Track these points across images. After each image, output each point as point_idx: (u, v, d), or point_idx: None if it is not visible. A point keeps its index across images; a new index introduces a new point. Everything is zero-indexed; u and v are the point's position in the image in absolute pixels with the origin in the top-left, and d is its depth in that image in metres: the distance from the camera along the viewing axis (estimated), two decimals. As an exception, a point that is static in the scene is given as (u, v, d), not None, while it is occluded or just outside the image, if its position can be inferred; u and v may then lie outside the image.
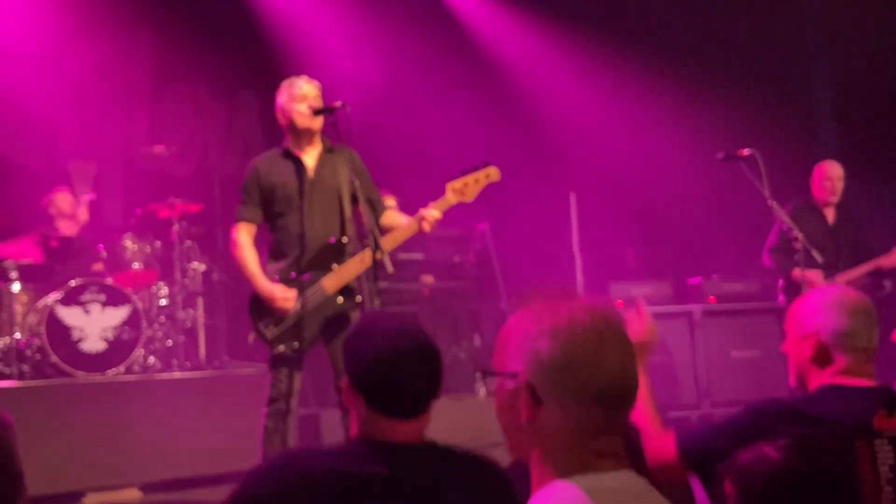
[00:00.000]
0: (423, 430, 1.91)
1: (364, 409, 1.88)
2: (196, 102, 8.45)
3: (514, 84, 8.75)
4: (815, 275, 5.72)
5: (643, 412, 2.37)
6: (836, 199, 6.00)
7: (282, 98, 4.18)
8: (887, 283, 7.94)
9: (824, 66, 8.92)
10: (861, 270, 5.88)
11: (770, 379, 6.51)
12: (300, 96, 4.12)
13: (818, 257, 4.60)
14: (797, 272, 5.61)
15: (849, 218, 6.09)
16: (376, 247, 3.83)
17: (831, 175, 5.98)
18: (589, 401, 1.37)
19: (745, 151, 4.70)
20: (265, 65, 7.83)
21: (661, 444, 2.29)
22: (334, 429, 5.29)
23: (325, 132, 4.20)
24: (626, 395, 1.40)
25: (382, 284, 4.28)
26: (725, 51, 8.34)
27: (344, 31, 8.27)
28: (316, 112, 4.09)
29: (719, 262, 7.58)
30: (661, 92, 8.21)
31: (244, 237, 4.16)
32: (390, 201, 6.73)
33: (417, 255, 6.88)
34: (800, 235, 4.58)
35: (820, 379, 2.27)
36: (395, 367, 1.85)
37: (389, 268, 3.83)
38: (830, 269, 5.81)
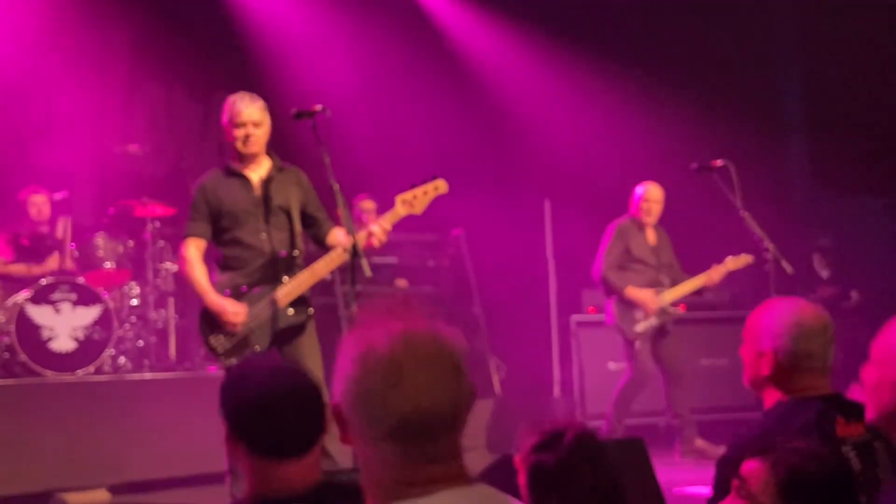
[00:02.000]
0: (316, 468, 1.85)
1: (251, 457, 1.81)
2: (171, 103, 8.41)
3: (490, 91, 8.79)
4: (647, 294, 5.96)
5: None
6: (652, 220, 6.23)
7: (224, 118, 4.21)
8: (854, 294, 8.08)
9: (795, 79, 9.06)
10: (690, 286, 6.11)
11: (739, 387, 6.57)
12: (238, 123, 4.14)
13: (788, 267, 4.68)
14: (630, 290, 5.93)
15: (665, 240, 6.35)
16: (355, 253, 3.87)
17: (649, 197, 6.19)
18: (382, 438, 1.30)
19: (718, 162, 4.77)
20: (241, 66, 7.82)
21: None
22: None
23: (304, 136, 4.21)
24: (427, 428, 1.29)
25: (357, 288, 4.29)
26: (699, 61, 8.44)
27: (319, 33, 8.27)
28: (295, 116, 4.10)
29: (691, 270, 7.65)
30: (635, 101, 8.29)
31: (193, 252, 4.19)
32: (368, 204, 6.74)
33: (392, 260, 6.90)
34: (770, 246, 4.65)
35: (775, 394, 2.31)
36: (272, 404, 1.80)
37: (368, 271, 3.86)
38: (655, 282, 6.09)
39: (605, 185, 8.35)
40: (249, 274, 4.14)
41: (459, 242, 7.32)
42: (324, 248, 4.23)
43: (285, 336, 4.15)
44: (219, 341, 4.11)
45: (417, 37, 8.65)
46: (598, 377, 6.77)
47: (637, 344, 5.94)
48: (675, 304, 6.09)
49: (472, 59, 8.90)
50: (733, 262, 6.08)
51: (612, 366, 6.79)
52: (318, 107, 3.99)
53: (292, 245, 4.18)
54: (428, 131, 8.42)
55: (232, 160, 4.26)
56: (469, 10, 8.79)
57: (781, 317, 2.30)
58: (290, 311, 4.13)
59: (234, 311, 4.06)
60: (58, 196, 6.62)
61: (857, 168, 8.29)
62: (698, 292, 6.23)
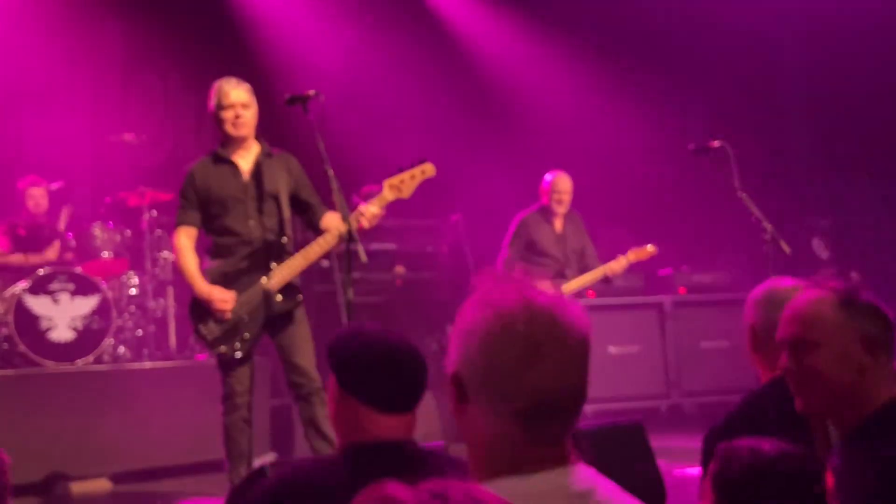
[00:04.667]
0: (413, 427, 1.93)
1: (356, 406, 1.89)
2: (166, 92, 8.37)
3: (490, 76, 8.75)
4: (546, 285, 5.94)
5: None
6: (563, 209, 6.41)
7: (211, 103, 4.18)
8: (854, 275, 8.05)
9: (795, 59, 9.01)
10: (590, 277, 6.30)
11: (739, 370, 6.58)
12: (227, 106, 4.12)
13: (786, 248, 4.65)
14: None
15: (577, 226, 6.51)
16: (350, 238, 3.86)
17: (560, 188, 6.38)
18: (507, 415, 1.25)
19: (715, 143, 4.74)
20: (236, 55, 7.77)
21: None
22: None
23: (298, 120, 4.18)
24: (557, 410, 1.27)
25: (355, 275, 4.27)
26: (698, 41, 8.39)
27: (313, 20, 8.23)
28: (288, 101, 4.07)
29: (689, 253, 7.64)
30: (632, 83, 8.25)
31: (184, 241, 4.18)
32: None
33: (390, 246, 6.88)
34: (768, 226, 4.62)
35: (765, 369, 2.33)
36: (389, 361, 1.89)
37: (363, 257, 3.85)
38: (559, 274, 6.29)
39: (605, 168, 8.33)
40: (238, 261, 4.13)
41: (458, 228, 7.29)
42: (318, 233, 4.21)
43: (275, 323, 4.15)
44: (208, 329, 4.11)
45: (413, 21, 8.60)
46: (598, 360, 6.72)
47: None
48: (578, 294, 6.26)
49: (471, 42, 8.86)
50: (635, 254, 6.28)
51: (612, 350, 6.79)
52: (311, 92, 3.97)
53: (281, 232, 4.18)
54: (426, 117, 8.39)
55: (221, 146, 4.23)
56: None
57: (759, 291, 2.34)
58: (279, 297, 4.13)
59: (221, 298, 4.06)
60: (54, 186, 6.60)
61: (856, 149, 8.26)
62: (605, 280, 6.38)
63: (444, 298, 7.18)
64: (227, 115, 4.12)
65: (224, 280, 4.12)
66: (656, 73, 8.28)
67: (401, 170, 4.17)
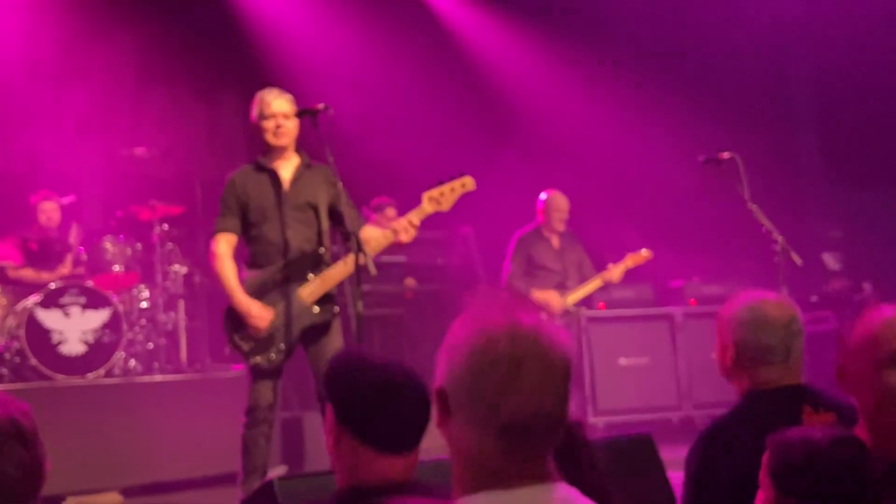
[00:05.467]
0: (416, 465, 1.81)
1: (353, 444, 1.76)
2: (178, 105, 8.41)
3: (499, 89, 8.77)
4: (552, 296, 6.37)
5: None
6: (560, 228, 6.60)
7: (254, 113, 4.21)
8: (866, 286, 8.03)
9: (806, 71, 9.00)
10: (591, 286, 6.49)
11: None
12: (269, 114, 4.14)
13: (797, 260, 4.63)
14: (534, 293, 6.30)
15: (572, 242, 6.68)
16: (359, 250, 3.85)
17: (560, 207, 6.57)
18: (489, 431, 1.28)
19: (725, 155, 4.73)
20: (247, 67, 7.82)
21: None
22: (317, 431, 5.29)
23: (308, 133, 4.20)
24: (537, 428, 1.29)
25: (365, 287, 4.28)
26: (709, 54, 8.39)
27: (326, 34, 8.27)
28: (298, 114, 4.10)
29: (700, 264, 7.62)
30: (643, 95, 8.25)
31: (223, 248, 4.16)
32: (391, 211, 6.70)
33: (400, 258, 6.88)
34: (778, 237, 4.61)
35: (742, 384, 2.31)
36: (389, 396, 1.77)
37: (373, 270, 3.85)
38: (560, 286, 6.47)
39: (615, 181, 8.33)
40: (276, 271, 4.11)
41: (468, 240, 7.30)
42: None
43: (311, 335, 4.12)
44: (243, 339, 4.08)
45: (424, 36, 8.63)
46: (609, 373, 6.74)
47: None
48: (580, 303, 6.51)
49: (481, 56, 8.88)
50: (632, 259, 6.44)
51: (623, 361, 6.77)
52: (321, 105, 3.97)
53: (319, 242, 4.16)
54: (438, 130, 8.41)
55: (262, 156, 4.24)
56: (476, 9, 8.77)
57: (743, 310, 2.30)
58: (316, 308, 4.11)
59: (259, 315, 4.03)
60: (66, 200, 6.64)
61: (867, 160, 8.23)
62: (604, 288, 6.57)
63: (454, 311, 7.18)
64: (269, 124, 4.13)
65: (261, 290, 4.10)
66: (666, 86, 8.27)
67: (441, 182, 4.16)
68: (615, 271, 6.42)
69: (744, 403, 2.29)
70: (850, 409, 2.06)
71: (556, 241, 6.61)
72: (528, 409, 1.27)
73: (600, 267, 6.61)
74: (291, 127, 4.16)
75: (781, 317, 2.27)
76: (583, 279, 6.54)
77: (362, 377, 1.80)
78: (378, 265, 4.02)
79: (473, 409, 1.29)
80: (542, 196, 6.62)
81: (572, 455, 1.64)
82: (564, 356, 1.32)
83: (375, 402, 1.77)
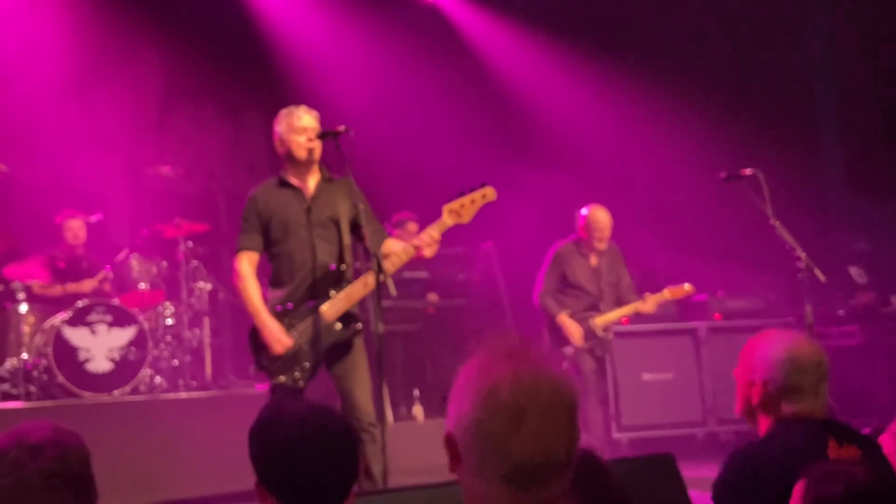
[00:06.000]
0: None
1: None
2: (202, 122, 8.50)
3: (520, 103, 8.78)
4: (573, 329, 6.09)
5: None
6: (601, 246, 6.25)
7: (280, 127, 4.18)
8: (894, 300, 7.94)
9: (829, 83, 8.94)
10: (623, 312, 6.20)
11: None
12: (300, 129, 4.12)
13: (821, 276, 4.60)
14: (561, 318, 6.06)
15: (612, 259, 6.35)
16: (379, 269, 3.83)
17: (600, 226, 6.19)
18: (497, 479, 1.31)
19: (747, 171, 4.71)
20: (270, 85, 7.89)
21: None
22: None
23: (328, 155, 4.22)
24: (544, 474, 1.31)
25: (387, 303, 4.27)
26: (732, 67, 8.37)
27: (348, 52, 8.33)
28: (319, 136, 4.09)
29: (724, 279, 7.57)
30: (666, 110, 8.23)
31: (246, 267, 4.13)
32: (412, 226, 6.71)
33: (422, 274, 6.90)
34: (802, 254, 4.57)
35: (767, 420, 2.34)
36: (303, 456, 1.67)
37: (393, 290, 3.84)
38: (592, 307, 6.19)
39: (637, 194, 8.31)
40: (297, 288, 4.08)
41: (490, 255, 7.30)
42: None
43: (334, 352, 4.09)
44: (268, 359, 4.05)
45: (446, 53, 8.67)
46: (632, 388, 6.70)
47: (564, 364, 5.96)
48: (608, 327, 6.21)
49: (502, 71, 8.90)
50: (671, 293, 6.16)
51: (646, 377, 6.72)
52: (342, 127, 3.98)
53: (341, 258, 4.12)
54: (458, 145, 8.43)
55: (284, 171, 4.22)
56: (497, 21, 8.80)
57: (776, 349, 2.33)
58: (338, 325, 4.07)
59: (278, 339, 4.01)
60: (93, 218, 6.72)
61: (892, 172, 8.16)
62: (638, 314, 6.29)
63: (476, 326, 7.18)
64: (299, 138, 4.11)
65: (283, 310, 4.08)
66: (689, 99, 8.25)
67: (461, 194, 4.11)
68: (650, 302, 6.15)
69: (773, 432, 2.31)
70: (872, 442, 2.07)
71: (594, 259, 6.29)
72: (534, 456, 1.30)
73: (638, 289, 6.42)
74: (318, 144, 4.15)
75: (814, 359, 2.32)
76: (618, 300, 6.29)
77: (275, 437, 1.71)
78: (400, 281, 4.02)
79: (480, 456, 1.31)
80: (584, 211, 6.29)
81: (595, 485, 1.64)
82: (568, 400, 1.33)
83: (287, 463, 1.67)
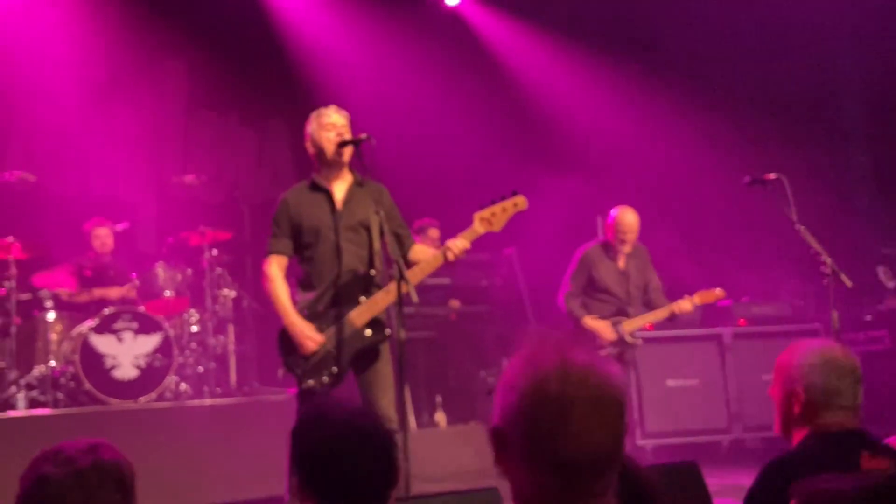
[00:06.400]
0: None
1: None
2: (226, 131, 8.57)
3: (542, 108, 8.78)
4: (603, 326, 5.91)
5: None
6: (628, 249, 6.08)
7: (311, 127, 4.16)
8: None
9: (856, 87, 8.87)
10: (652, 317, 5.98)
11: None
12: (329, 125, 4.09)
13: (847, 282, 4.55)
14: (587, 320, 5.89)
15: (640, 262, 6.18)
16: (401, 277, 3.81)
17: (626, 227, 6.01)
18: (547, 470, 1.30)
19: (771, 176, 4.67)
20: (295, 93, 7.94)
21: None
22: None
23: (351, 164, 4.22)
24: (593, 467, 1.31)
25: (409, 310, 4.25)
26: (758, 74, 8.32)
27: (371, 60, 8.37)
28: (341, 144, 4.07)
29: (749, 284, 7.52)
30: (689, 116, 8.20)
31: (275, 270, 4.11)
32: (434, 232, 6.72)
33: (444, 280, 6.90)
34: (827, 259, 4.53)
35: (802, 432, 2.33)
36: (347, 456, 1.67)
37: (415, 298, 3.83)
38: (620, 312, 5.99)
39: (660, 199, 8.28)
40: (327, 292, 4.06)
41: (512, 261, 7.30)
42: (408, 265, 4.09)
43: (362, 358, 4.05)
44: (296, 362, 4.03)
45: (467, 60, 8.69)
46: (656, 394, 6.67)
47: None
48: (636, 332, 5.99)
49: (524, 77, 8.91)
50: (701, 297, 5.96)
51: (670, 383, 6.69)
52: (364, 135, 3.98)
53: (371, 264, 4.08)
54: (480, 150, 8.45)
55: (316, 174, 4.19)
56: (521, 30, 8.81)
57: (812, 355, 2.34)
58: (368, 331, 4.03)
59: (308, 336, 3.99)
60: (120, 227, 6.79)
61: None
62: (670, 318, 6.07)
63: (498, 332, 7.18)
64: (329, 134, 4.08)
65: (312, 313, 4.07)
66: (713, 103, 8.21)
67: (493, 202, 4.08)
68: (681, 306, 5.93)
69: (807, 444, 2.31)
70: None
71: (622, 262, 6.12)
72: (582, 448, 1.29)
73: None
74: (347, 137, 4.12)
75: (849, 362, 2.32)
76: (647, 302, 6.12)
77: (319, 438, 1.70)
78: (423, 287, 3.99)
79: (528, 449, 1.31)
80: (613, 212, 6.13)
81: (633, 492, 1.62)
82: (617, 394, 1.33)
83: (331, 464, 1.66)
